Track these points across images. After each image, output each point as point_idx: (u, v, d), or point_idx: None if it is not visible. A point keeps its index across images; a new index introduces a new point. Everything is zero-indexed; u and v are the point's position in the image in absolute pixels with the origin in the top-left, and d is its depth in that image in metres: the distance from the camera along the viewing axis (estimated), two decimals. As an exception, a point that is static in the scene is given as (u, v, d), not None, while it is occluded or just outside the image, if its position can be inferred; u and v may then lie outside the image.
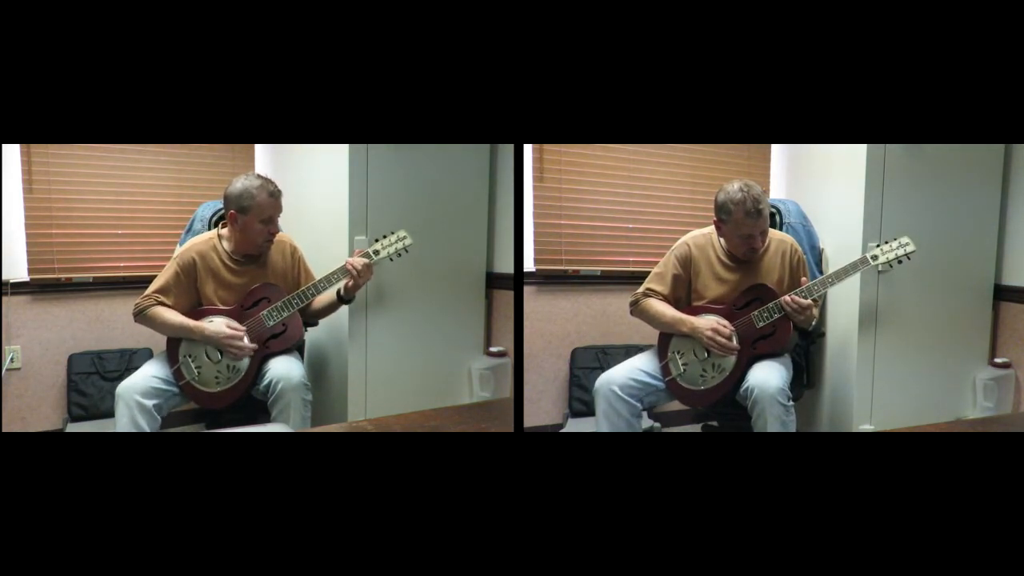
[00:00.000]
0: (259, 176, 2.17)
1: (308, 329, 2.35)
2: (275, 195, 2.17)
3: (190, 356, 2.15)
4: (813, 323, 2.20)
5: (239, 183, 2.15)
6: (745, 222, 2.09)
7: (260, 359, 2.17)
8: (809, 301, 2.09)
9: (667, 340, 2.24)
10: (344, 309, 2.38)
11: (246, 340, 2.14)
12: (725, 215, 2.12)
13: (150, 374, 2.14)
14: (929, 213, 2.50)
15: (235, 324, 2.15)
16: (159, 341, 2.28)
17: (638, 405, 2.19)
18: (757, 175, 2.94)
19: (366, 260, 2.22)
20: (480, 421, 1.85)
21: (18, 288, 2.66)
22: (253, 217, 2.14)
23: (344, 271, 2.22)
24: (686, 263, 2.25)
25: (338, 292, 2.27)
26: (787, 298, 2.10)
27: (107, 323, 2.80)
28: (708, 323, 2.15)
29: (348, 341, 2.49)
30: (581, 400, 2.87)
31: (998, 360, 2.65)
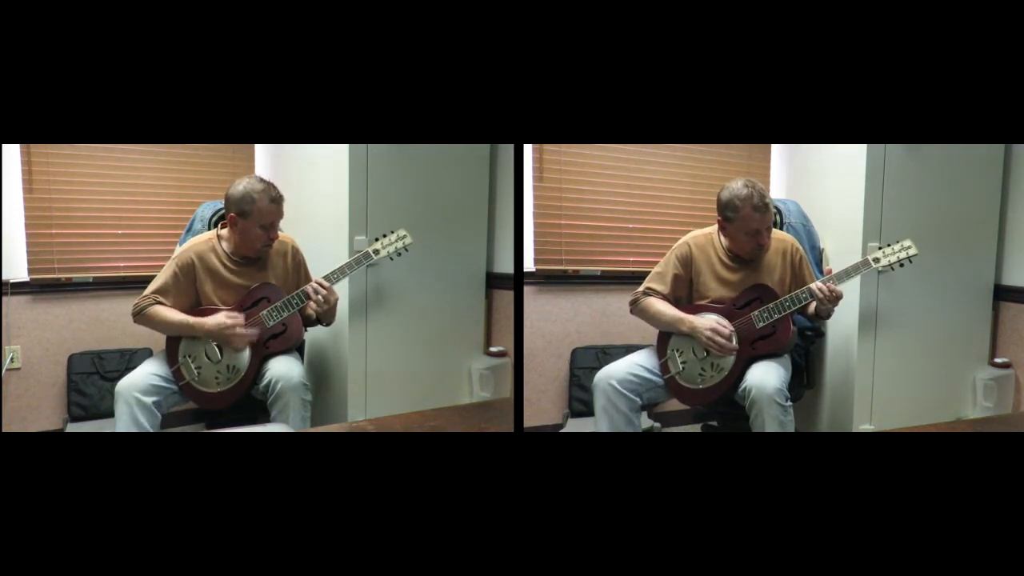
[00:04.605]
0: (262, 180, 2.16)
1: (308, 329, 2.35)
2: (277, 201, 2.16)
3: (190, 356, 2.15)
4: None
5: (241, 186, 2.13)
6: (753, 217, 2.10)
7: (260, 359, 2.17)
8: (841, 289, 2.11)
9: (666, 338, 2.24)
10: (344, 310, 2.38)
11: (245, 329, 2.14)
12: (731, 212, 2.12)
13: (149, 372, 2.14)
14: (929, 213, 2.50)
15: (233, 313, 2.15)
16: (159, 341, 2.28)
17: (637, 400, 2.19)
18: (757, 175, 2.94)
19: (327, 283, 2.19)
20: (480, 421, 1.86)
21: (18, 288, 2.66)
22: (253, 222, 2.13)
23: (343, 271, 2.22)
24: (687, 263, 2.25)
25: (308, 317, 2.27)
26: (820, 284, 2.11)
27: (107, 323, 2.80)
28: (707, 322, 2.15)
29: (348, 341, 2.49)
30: (581, 400, 2.87)
31: (998, 360, 2.65)
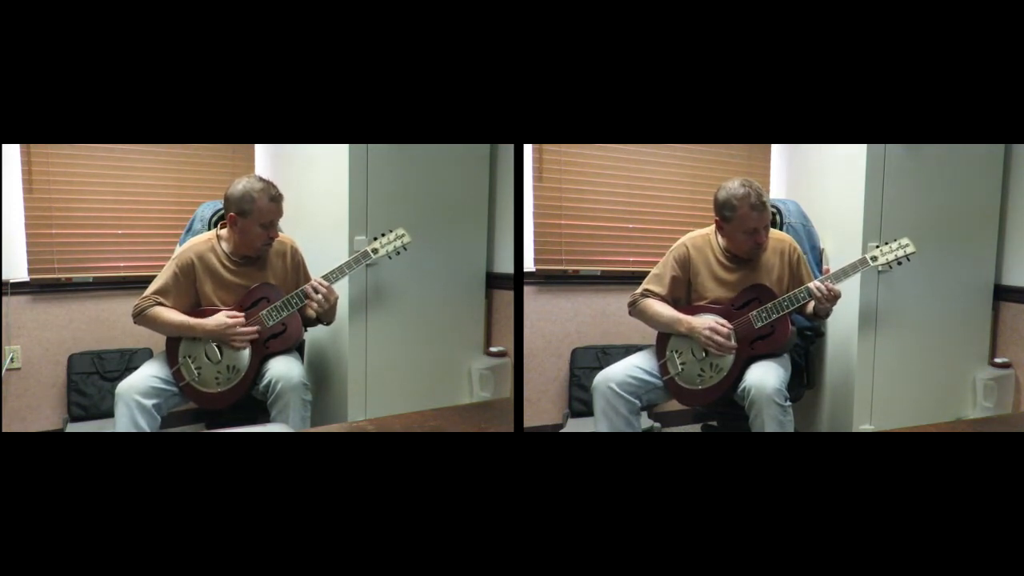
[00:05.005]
0: (261, 179, 2.16)
1: (308, 329, 2.35)
2: (276, 200, 2.16)
3: (190, 357, 2.15)
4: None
5: (240, 185, 2.14)
6: (750, 216, 2.09)
7: (260, 359, 2.17)
8: (839, 288, 2.11)
9: (665, 339, 2.24)
10: (344, 310, 2.38)
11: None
12: (729, 212, 2.12)
13: (150, 374, 2.14)
14: (929, 213, 2.50)
15: (233, 312, 2.15)
16: (159, 341, 2.28)
17: (636, 402, 2.19)
18: (757, 175, 2.95)
19: (326, 283, 2.19)
20: (480, 421, 1.86)
21: (18, 288, 2.66)
22: (253, 221, 2.13)
23: (342, 271, 2.22)
24: (684, 264, 2.25)
25: (308, 317, 2.27)
26: (818, 284, 2.10)
27: (107, 323, 2.80)
28: (705, 323, 2.15)
29: (348, 341, 2.49)
30: (581, 400, 2.87)
31: (998, 360, 2.65)
